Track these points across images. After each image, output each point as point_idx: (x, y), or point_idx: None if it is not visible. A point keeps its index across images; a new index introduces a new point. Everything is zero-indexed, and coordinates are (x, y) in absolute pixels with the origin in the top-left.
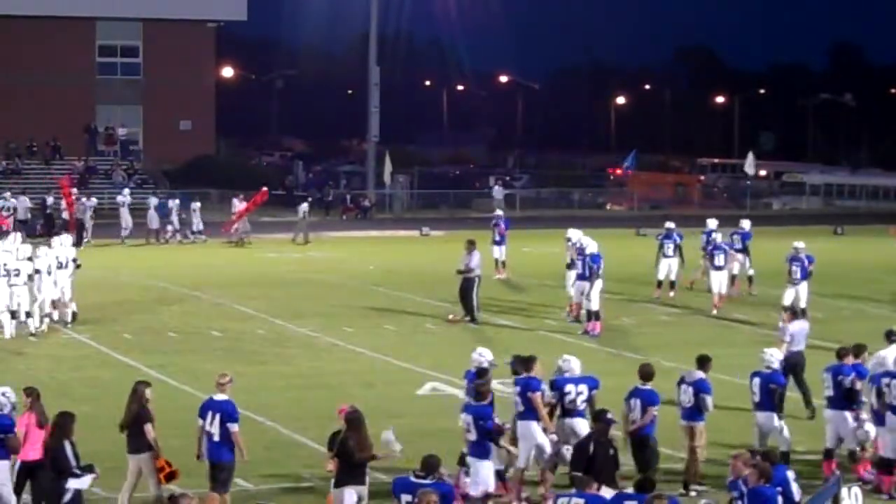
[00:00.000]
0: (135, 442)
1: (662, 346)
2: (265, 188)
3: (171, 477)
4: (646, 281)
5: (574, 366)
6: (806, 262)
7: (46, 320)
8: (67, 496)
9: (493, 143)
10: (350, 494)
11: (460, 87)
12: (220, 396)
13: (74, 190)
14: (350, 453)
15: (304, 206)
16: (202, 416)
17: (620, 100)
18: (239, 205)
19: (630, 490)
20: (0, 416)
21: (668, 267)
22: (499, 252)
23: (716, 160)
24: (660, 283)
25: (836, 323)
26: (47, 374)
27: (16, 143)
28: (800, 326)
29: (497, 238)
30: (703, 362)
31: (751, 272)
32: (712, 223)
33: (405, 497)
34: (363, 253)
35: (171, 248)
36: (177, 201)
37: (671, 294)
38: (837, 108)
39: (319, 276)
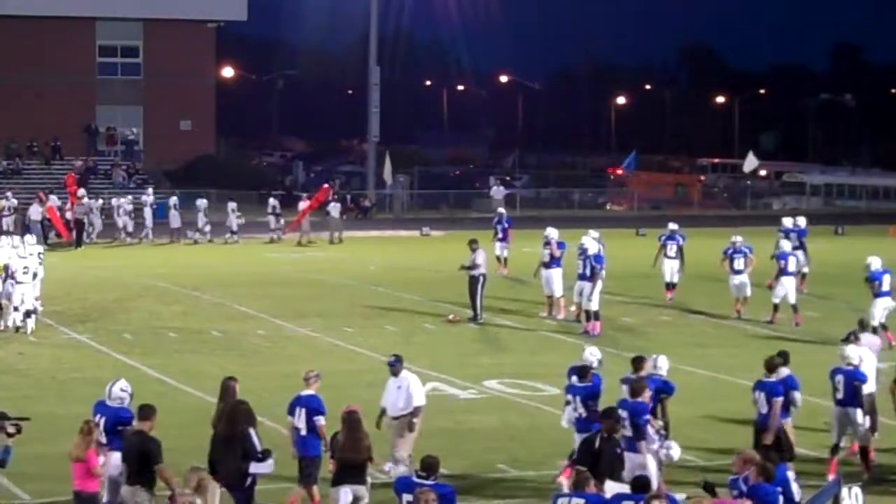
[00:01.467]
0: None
1: (663, 346)
2: (326, 185)
3: None
4: (646, 280)
5: (662, 364)
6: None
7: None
8: (249, 480)
9: (494, 143)
10: (345, 493)
11: (460, 87)
12: (306, 392)
13: (82, 191)
14: (340, 451)
15: (336, 206)
16: (291, 413)
17: (620, 100)
18: (303, 204)
19: (620, 488)
20: (119, 409)
21: (671, 268)
22: (500, 249)
23: (716, 160)
24: (669, 286)
25: (834, 322)
26: (47, 375)
27: (16, 143)
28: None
29: (500, 235)
30: (785, 358)
31: (805, 269)
32: (788, 222)
33: (406, 497)
34: (363, 253)
35: (182, 247)
36: (204, 201)
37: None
38: (838, 109)
39: (320, 276)
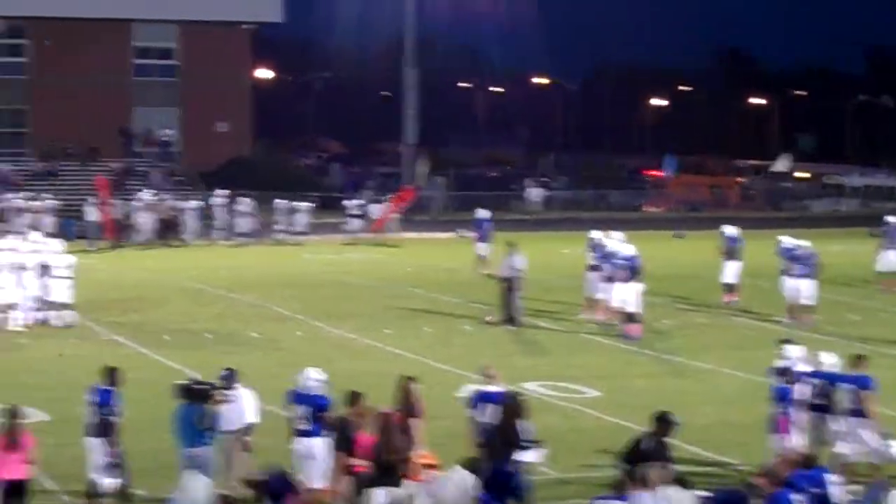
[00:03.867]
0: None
1: (701, 348)
2: (410, 188)
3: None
4: (684, 282)
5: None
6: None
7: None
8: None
9: (530, 144)
10: (380, 494)
11: (496, 89)
12: (490, 388)
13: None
14: (377, 454)
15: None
16: (474, 406)
17: (656, 101)
18: (386, 205)
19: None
20: (316, 397)
21: (734, 270)
22: (483, 249)
23: (753, 162)
24: (729, 288)
25: (873, 326)
26: (86, 376)
27: (53, 145)
28: None
29: (480, 235)
30: (861, 360)
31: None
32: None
33: None
34: (400, 254)
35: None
36: (248, 201)
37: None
38: (876, 110)
39: (356, 277)
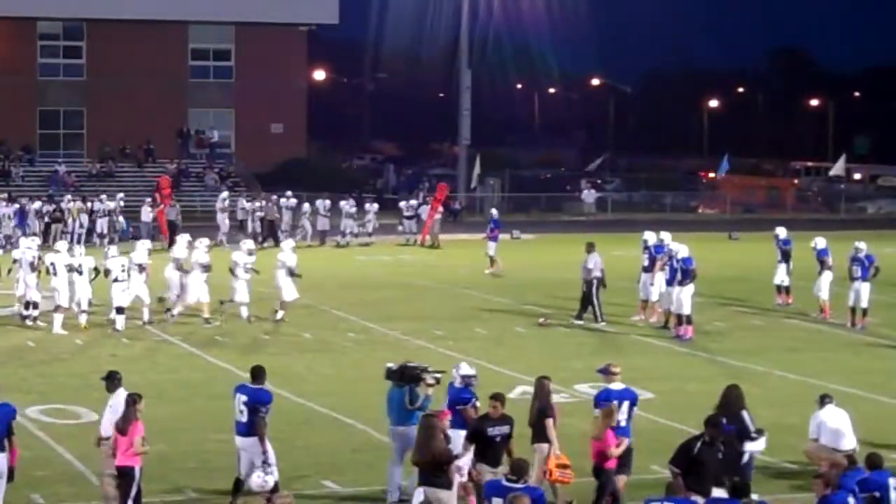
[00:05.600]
0: (537, 435)
1: (755, 350)
2: (443, 183)
3: (547, 475)
4: (738, 284)
5: None
6: (866, 263)
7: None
8: (746, 457)
9: (585, 146)
10: (418, 494)
11: (551, 90)
12: (617, 386)
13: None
14: (413, 453)
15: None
16: (606, 406)
17: (713, 102)
18: (428, 207)
19: (724, 495)
20: (461, 390)
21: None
22: (492, 249)
23: (809, 164)
24: (781, 290)
25: None
26: (140, 376)
27: (109, 146)
28: None
29: (490, 235)
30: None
31: None
32: None
33: (496, 500)
34: (453, 256)
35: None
36: (324, 202)
37: (785, 301)
38: None
39: (409, 279)
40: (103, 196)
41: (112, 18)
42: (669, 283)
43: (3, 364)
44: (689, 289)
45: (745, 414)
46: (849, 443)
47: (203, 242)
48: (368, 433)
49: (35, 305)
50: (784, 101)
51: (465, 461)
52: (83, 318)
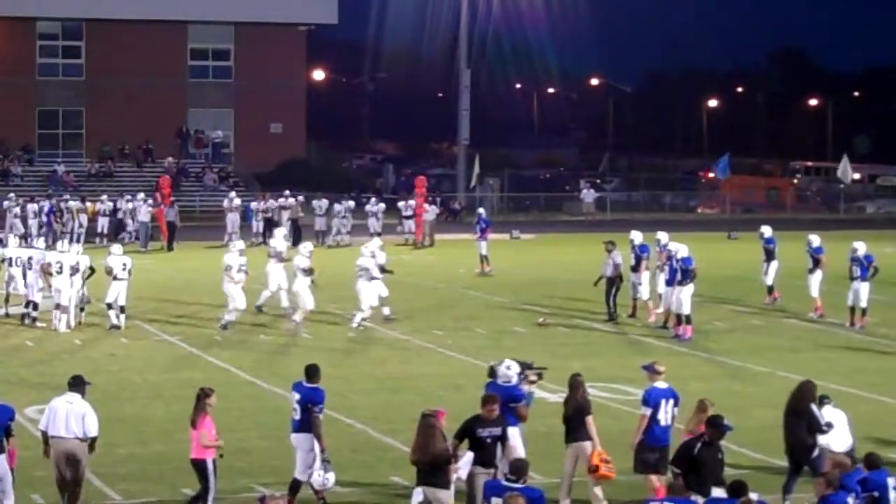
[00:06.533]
0: (575, 432)
1: (755, 350)
2: (422, 176)
3: (593, 470)
4: (737, 284)
5: None
6: (865, 263)
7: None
8: (816, 451)
9: (584, 146)
10: (417, 494)
11: (551, 90)
12: (661, 384)
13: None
14: (412, 453)
15: (433, 209)
16: (654, 404)
17: (712, 102)
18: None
19: (723, 494)
20: (511, 387)
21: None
22: (482, 248)
23: (809, 163)
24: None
25: None
26: (139, 376)
27: (108, 145)
28: None
29: (479, 235)
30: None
31: None
32: None
33: (495, 500)
34: (453, 256)
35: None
36: (349, 203)
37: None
38: None
39: (409, 278)
40: (104, 196)
41: (111, 18)
42: (669, 282)
43: (2, 364)
44: (689, 289)
45: (814, 408)
46: (845, 443)
47: (307, 247)
48: (368, 433)
49: (35, 306)
50: (784, 101)
51: (465, 461)
52: (80, 316)
